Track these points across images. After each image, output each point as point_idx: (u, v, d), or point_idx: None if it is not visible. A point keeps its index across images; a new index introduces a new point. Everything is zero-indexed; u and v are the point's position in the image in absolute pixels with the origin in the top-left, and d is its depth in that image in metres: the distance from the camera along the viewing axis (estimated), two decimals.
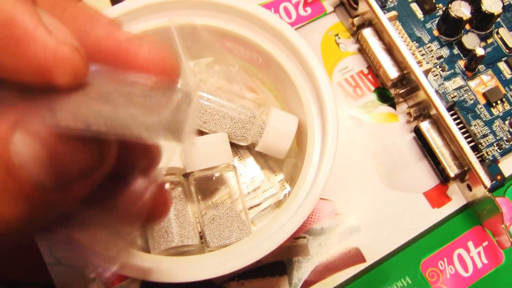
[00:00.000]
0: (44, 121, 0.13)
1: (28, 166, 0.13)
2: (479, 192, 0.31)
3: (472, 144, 0.32)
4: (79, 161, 0.14)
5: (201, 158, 0.28)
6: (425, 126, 0.32)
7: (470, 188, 0.32)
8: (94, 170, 0.14)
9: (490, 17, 0.34)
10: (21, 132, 0.13)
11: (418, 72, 0.31)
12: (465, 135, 0.32)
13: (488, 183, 0.30)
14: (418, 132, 0.33)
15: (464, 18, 0.33)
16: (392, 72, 0.32)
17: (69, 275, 0.29)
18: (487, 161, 0.32)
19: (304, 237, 0.31)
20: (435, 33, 0.35)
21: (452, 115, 0.32)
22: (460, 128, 0.32)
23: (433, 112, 0.31)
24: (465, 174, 0.31)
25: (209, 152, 0.28)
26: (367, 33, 0.33)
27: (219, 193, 0.30)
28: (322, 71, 0.28)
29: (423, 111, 0.32)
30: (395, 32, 0.32)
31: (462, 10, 0.33)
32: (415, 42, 0.35)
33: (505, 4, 0.35)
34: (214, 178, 0.29)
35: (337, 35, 0.35)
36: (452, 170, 0.31)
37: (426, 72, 0.33)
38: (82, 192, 0.14)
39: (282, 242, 0.25)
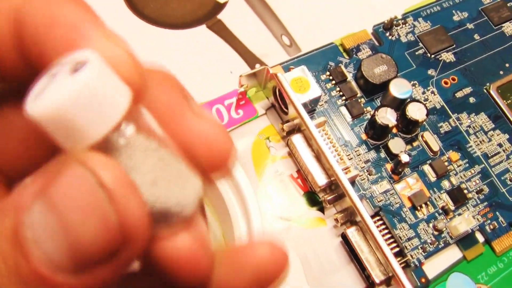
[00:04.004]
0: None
1: (42, 241, 0.12)
2: None
3: (397, 249, 0.36)
4: (95, 231, 0.12)
5: None
6: (351, 233, 0.36)
7: None
8: (117, 252, 0.13)
9: (415, 123, 0.39)
10: (42, 202, 0.12)
11: (344, 180, 0.35)
12: (390, 240, 0.36)
13: None
14: (345, 237, 0.37)
15: (390, 125, 0.38)
16: (320, 180, 0.37)
17: None
18: (412, 265, 0.37)
19: None
20: (363, 136, 0.40)
21: (377, 220, 0.37)
22: (385, 234, 0.36)
23: (358, 219, 0.36)
24: (390, 279, 0.35)
25: None
26: (296, 140, 0.38)
27: None
28: (255, 201, 0.32)
29: (350, 217, 0.37)
30: (323, 140, 0.36)
31: (388, 117, 0.38)
32: (343, 145, 0.39)
33: (428, 109, 0.40)
34: None
35: (268, 138, 0.40)
36: (377, 276, 0.35)
37: (353, 179, 0.37)
38: (111, 278, 0.13)
39: None
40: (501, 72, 0.44)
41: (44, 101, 0.12)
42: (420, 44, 0.44)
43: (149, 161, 0.13)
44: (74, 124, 0.12)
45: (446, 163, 0.40)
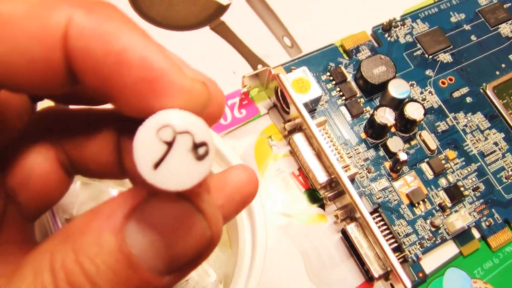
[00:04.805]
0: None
1: (146, 255, 0.14)
2: None
3: (395, 244, 0.37)
4: (192, 244, 0.15)
5: None
6: (351, 229, 0.37)
7: (393, 287, 0.37)
8: (206, 250, 0.16)
9: (413, 122, 0.40)
10: (135, 223, 0.14)
11: (344, 178, 0.37)
12: (389, 236, 0.38)
13: (408, 284, 0.35)
14: (344, 233, 0.38)
15: (388, 125, 0.39)
16: (321, 177, 0.38)
17: None
18: (410, 260, 0.38)
19: None
20: (363, 135, 0.41)
21: (376, 216, 0.38)
22: (384, 230, 0.38)
23: (358, 215, 0.37)
24: (388, 274, 0.37)
25: None
26: (298, 138, 0.39)
27: None
28: (257, 198, 0.33)
29: (350, 213, 0.38)
30: (323, 139, 0.38)
31: (387, 117, 0.39)
32: (343, 144, 0.40)
33: (426, 108, 0.41)
34: None
35: (270, 137, 0.41)
36: (376, 271, 0.36)
37: (353, 176, 0.39)
38: (193, 270, 0.16)
39: None
40: (497, 73, 0.45)
41: (175, 180, 0.14)
42: (418, 45, 0.45)
43: None
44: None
45: (443, 161, 0.41)
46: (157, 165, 0.14)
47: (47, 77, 0.15)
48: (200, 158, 0.14)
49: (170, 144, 0.14)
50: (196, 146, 0.14)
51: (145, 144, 0.14)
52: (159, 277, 0.15)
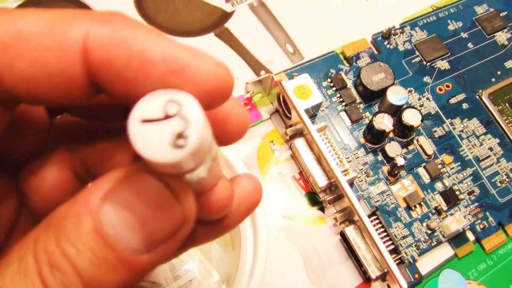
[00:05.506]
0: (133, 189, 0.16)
1: (121, 234, 0.15)
2: None
3: (392, 246, 0.39)
4: (165, 220, 0.16)
5: None
6: (349, 231, 0.39)
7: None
8: (180, 227, 0.16)
9: (410, 128, 0.41)
10: (110, 204, 0.15)
11: (343, 182, 0.38)
12: (386, 238, 0.39)
13: (405, 285, 0.36)
14: (343, 235, 0.39)
15: (387, 130, 0.40)
16: (321, 181, 0.39)
17: None
18: (406, 262, 0.39)
19: None
20: (362, 140, 0.42)
21: (374, 219, 0.39)
22: (381, 232, 0.39)
23: (356, 218, 0.38)
24: (385, 275, 0.38)
25: None
26: (299, 143, 0.40)
27: None
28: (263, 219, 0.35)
29: (348, 216, 0.39)
30: (323, 144, 0.39)
31: (385, 123, 0.40)
32: (342, 149, 0.42)
33: (424, 114, 0.42)
34: None
35: (272, 141, 0.42)
36: (373, 272, 0.38)
37: (352, 180, 0.40)
38: (172, 250, 0.16)
39: None
40: (493, 80, 0.46)
41: (144, 144, 0.14)
42: (417, 52, 0.46)
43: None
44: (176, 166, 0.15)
45: (439, 166, 0.42)
46: (144, 122, 0.14)
47: (67, 90, 0.16)
48: (176, 146, 0.14)
49: (167, 118, 0.14)
50: (180, 136, 0.14)
51: (148, 102, 0.15)
52: (138, 255, 0.15)
